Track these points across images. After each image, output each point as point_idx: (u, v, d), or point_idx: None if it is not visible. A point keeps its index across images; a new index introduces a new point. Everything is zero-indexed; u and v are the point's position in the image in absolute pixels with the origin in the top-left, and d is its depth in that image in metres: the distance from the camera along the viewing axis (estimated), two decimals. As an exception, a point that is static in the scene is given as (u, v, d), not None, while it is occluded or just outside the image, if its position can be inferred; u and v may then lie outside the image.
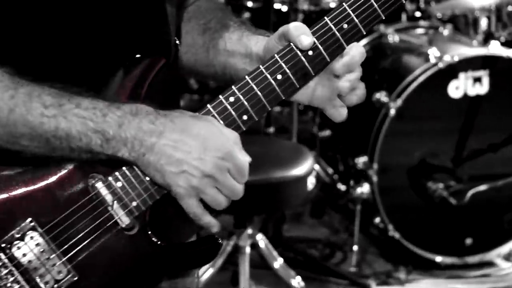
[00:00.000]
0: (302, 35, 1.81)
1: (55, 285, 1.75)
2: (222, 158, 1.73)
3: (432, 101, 4.70)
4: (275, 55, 1.83)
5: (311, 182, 4.34)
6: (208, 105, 1.82)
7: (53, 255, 1.75)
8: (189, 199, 1.75)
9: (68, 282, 1.76)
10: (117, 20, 1.84)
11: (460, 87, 4.69)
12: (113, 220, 1.78)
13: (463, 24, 5.24)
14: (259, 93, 1.82)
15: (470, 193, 4.70)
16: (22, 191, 1.74)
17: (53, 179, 1.75)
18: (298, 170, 4.07)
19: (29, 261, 1.74)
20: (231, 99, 1.81)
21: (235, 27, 2.00)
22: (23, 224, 1.74)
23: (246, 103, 1.82)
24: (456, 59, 4.60)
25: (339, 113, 1.90)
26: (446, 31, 5.05)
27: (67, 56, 1.80)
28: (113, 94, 1.79)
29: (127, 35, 1.85)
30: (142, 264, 1.81)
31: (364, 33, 1.87)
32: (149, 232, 1.80)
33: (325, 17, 1.84)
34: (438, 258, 4.80)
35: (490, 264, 4.91)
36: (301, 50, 1.83)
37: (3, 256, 1.73)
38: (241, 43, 1.96)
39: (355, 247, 4.86)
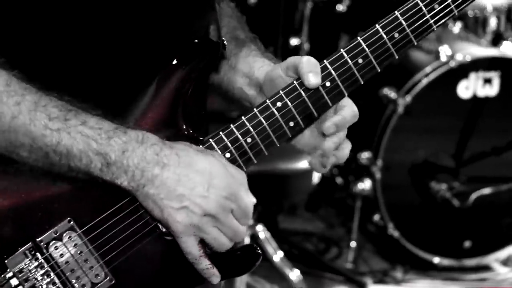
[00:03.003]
0: (311, 73, 1.73)
1: (92, 289, 1.65)
2: (227, 198, 1.64)
3: (440, 100, 4.63)
4: (280, 91, 1.75)
5: (317, 176, 4.27)
6: (221, 132, 1.73)
7: (91, 257, 1.65)
8: (187, 238, 1.64)
9: (104, 286, 1.66)
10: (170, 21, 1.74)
11: (470, 87, 4.62)
12: (154, 224, 1.68)
13: (472, 22, 5.16)
14: (267, 128, 1.74)
15: (473, 196, 4.64)
16: (62, 190, 1.65)
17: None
18: (305, 163, 3.98)
19: (66, 262, 1.64)
20: (241, 130, 1.73)
21: (244, 43, 1.91)
22: (61, 224, 1.64)
23: (257, 137, 1.74)
24: (468, 58, 4.52)
25: (319, 166, 1.82)
26: (456, 28, 4.96)
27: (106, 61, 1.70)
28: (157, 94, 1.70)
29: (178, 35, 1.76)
30: (179, 271, 1.72)
31: (379, 71, 1.79)
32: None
33: (342, 51, 1.76)
34: (436, 259, 4.74)
35: (487, 268, 4.85)
36: (306, 89, 1.75)
37: (39, 256, 1.63)
38: (246, 62, 1.88)
39: (352, 243, 4.79)
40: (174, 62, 1.73)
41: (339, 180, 5.07)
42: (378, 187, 4.63)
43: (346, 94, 1.78)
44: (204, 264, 1.68)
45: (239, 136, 1.73)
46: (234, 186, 1.64)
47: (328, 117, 1.77)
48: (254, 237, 4.36)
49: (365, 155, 4.66)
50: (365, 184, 4.67)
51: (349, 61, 1.76)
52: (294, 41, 5.04)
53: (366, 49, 1.77)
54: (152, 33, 1.72)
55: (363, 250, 4.95)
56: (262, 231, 4.37)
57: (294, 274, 4.35)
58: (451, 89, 4.60)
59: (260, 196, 3.99)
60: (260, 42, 1.95)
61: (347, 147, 1.82)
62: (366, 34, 1.78)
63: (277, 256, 4.39)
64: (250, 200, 1.67)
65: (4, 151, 1.60)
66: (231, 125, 1.74)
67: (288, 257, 4.48)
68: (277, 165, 3.90)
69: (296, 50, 5.00)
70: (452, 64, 4.52)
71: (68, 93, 1.63)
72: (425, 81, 4.54)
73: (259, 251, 1.77)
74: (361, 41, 1.77)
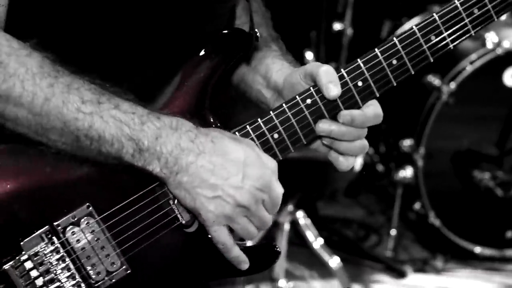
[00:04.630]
0: (330, 83, 1.69)
1: (107, 277, 1.63)
2: (260, 189, 1.62)
3: (485, 88, 4.53)
4: (297, 96, 1.71)
5: (359, 163, 4.23)
6: (248, 126, 1.70)
7: (108, 245, 1.63)
8: (218, 227, 1.62)
9: (120, 275, 1.64)
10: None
11: (516, 75, 4.52)
12: (174, 215, 1.66)
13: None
14: (295, 124, 1.71)
15: (517, 185, 4.55)
16: (82, 175, 1.62)
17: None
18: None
19: (83, 248, 1.62)
20: (269, 125, 1.70)
21: (266, 42, 1.87)
22: (80, 209, 1.62)
23: (283, 133, 1.70)
24: (515, 46, 4.42)
25: (342, 165, 1.78)
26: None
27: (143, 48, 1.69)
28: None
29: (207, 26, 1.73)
30: (196, 264, 1.69)
31: (412, 73, 1.75)
32: (208, 231, 1.67)
33: (358, 59, 1.72)
34: (477, 249, 4.66)
35: (529, 259, 4.77)
36: (323, 97, 1.70)
37: (56, 240, 1.61)
38: (264, 64, 1.84)
39: (392, 231, 4.73)
40: (202, 53, 1.70)
41: (380, 167, 5.01)
42: (420, 175, 4.56)
43: (378, 95, 1.74)
44: (236, 251, 1.66)
45: (266, 131, 1.70)
46: (267, 177, 1.62)
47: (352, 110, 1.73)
48: (294, 223, 4.34)
49: (407, 143, 4.60)
50: (407, 172, 4.61)
51: (383, 61, 1.72)
52: (337, 26, 4.97)
53: (401, 50, 1.72)
54: (175, 18, 1.69)
55: (403, 238, 4.89)
56: (302, 218, 4.35)
57: (334, 261, 4.31)
58: (497, 77, 4.51)
59: (301, 182, 3.98)
60: (282, 42, 1.91)
61: (358, 144, 1.76)
62: (403, 35, 1.73)
63: (317, 243, 4.36)
64: (280, 190, 1.65)
65: (33, 135, 1.57)
66: (259, 119, 1.70)
67: (328, 244, 4.44)
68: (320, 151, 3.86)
69: (339, 35, 4.94)
70: (499, 51, 4.42)
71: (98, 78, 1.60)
72: (470, 69, 4.45)
73: (278, 249, 1.74)
74: (397, 42, 1.72)
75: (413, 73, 1.74)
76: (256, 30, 1.77)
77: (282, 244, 4.22)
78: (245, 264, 1.68)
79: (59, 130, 1.56)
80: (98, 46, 1.66)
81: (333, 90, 1.68)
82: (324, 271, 4.43)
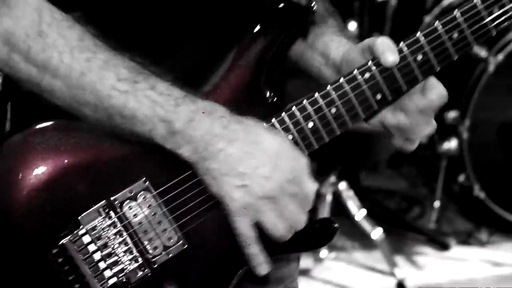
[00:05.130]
0: (387, 51, 1.65)
1: (164, 252, 1.62)
2: (291, 181, 1.56)
3: (533, 59, 4.47)
4: (355, 70, 1.67)
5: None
6: (305, 100, 1.67)
7: (165, 220, 1.62)
8: (242, 218, 1.57)
9: (177, 250, 1.63)
10: None
11: None
12: None
13: None
14: (353, 99, 1.68)
15: None
16: (138, 150, 1.61)
17: None
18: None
19: (140, 223, 1.61)
20: (327, 99, 1.66)
21: (323, 18, 1.82)
22: (136, 183, 1.61)
23: (341, 107, 1.67)
24: None
25: (404, 145, 1.76)
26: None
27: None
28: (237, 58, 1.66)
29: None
30: None
31: (473, 47, 1.71)
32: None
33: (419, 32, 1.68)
34: (523, 222, 4.62)
35: None
36: (382, 70, 1.67)
37: (113, 215, 1.61)
38: (322, 40, 1.80)
39: (436, 203, 4.70)
40: (257, 29, 1.67)
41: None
42: (465, 147, 4.52)
43: (437, 69, 1.71)
44: (254, 249, 1.60)
45: (324, 105, 1.67)
46: (298, 170, 1.57)
47: (415, 98, 1.71)
48: (336, 194, 4.33)
49: (452, 114, 4.55)
50: (451, 144, 4.56)
51: (444, 35, 1.69)
52: (381, -4, 4.92)
53: (463, 23, 1.69)
54: None
55: (447, 211, 4.86)
56: (344, 189, 4.33)
57: (376, 233, 4.30)
58: (546, 48, 4.44)
59: (344, 153, 3.96)
60: (339, 16, 1.87)
61: (427, 128, 1.74)
62: (465, 8, 1.69)
63: (359, 214, 4.35)
64: (312, 186, 1.60)
65: (68, 107, 1.56)
66: (316, 94, 1.67)
67: (370, 215, 4.42)
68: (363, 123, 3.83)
69: (383, 6, 4.89)
70: (548, 21, 4.34)
71: (142, 56, 1.58)
72: (518, 39, 4.39)
73: (336, 225, 1.70)
74: (459, 14, 1.69)
75: (474, 47, 1.71)
76: (313, 4, 1.74)
77: (324, 215, 4.22)
78: (262, 268, 1.62)
79: (93, 106, 1.54)
80: (143, 21, 1.64)
81: (390, 56, 1.65)
82: (366, 243, 4.43)
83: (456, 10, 1.68)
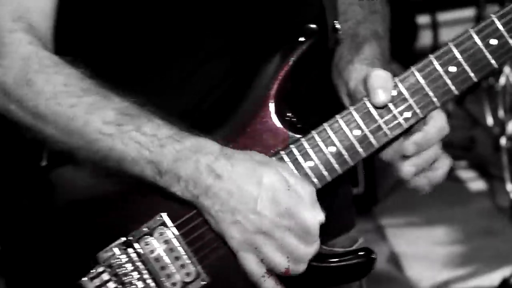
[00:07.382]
0: (379, 89, 1.56)
1: (182, 288, 1.60)
2: (282, 214, 1.50)
3: None
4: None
5: None
6: (325, 124, 1.61)
7: (183, 254, 1.59)
8: (246, 254, 1.53)
9: (196, 286, 1.60)
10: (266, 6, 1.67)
11: None
12: None
13: None
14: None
15: None
16: (152, 185, 1.58)
17: None
18: None
19: (156, 259, 1.60)
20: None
21: (360, 44, 1.72)
22: (153, 219, 1.60)
23: (366, 128, 1.59)
24: None
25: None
26: None
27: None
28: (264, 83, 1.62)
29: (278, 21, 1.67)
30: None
31: (476, 81, 1.58)
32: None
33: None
34: None
35: None
36: (425, 75, 1.58)
37: (130, 251, 1.60)
38: (348, 69, 1.70)
39: None
40: (278, 55, 1.63)
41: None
42: None
43: (476, 80, 1.60)
44: (269, 284, 1.55)
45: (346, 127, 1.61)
46: (291, 202, 1.51)
47: (415, 130, 1.61)
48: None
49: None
50: None
51: (480, 42, 1.58)
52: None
53: (501, 28, 1.58)
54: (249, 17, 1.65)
55: None
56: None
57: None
58: None
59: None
60: (387, 39, 1.78)
61: (442, 166, 1.63)
62: (502, 12, 1.58)
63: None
64: (313, 216, 1.52)
65: (67, 152, 1.59)
66: (337, 117, 1.61)
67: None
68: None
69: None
70: None
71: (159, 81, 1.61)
72: None
73: (374, 256, 1.62)
74: (495, 19, 1.59)
75: None
76: (337, 25, 1.68)
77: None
78: None
79: (85, 150, 1.57)
80: (159, 42, 1.65)
81: (381, 96, 1.57)
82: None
83: (492, 15, 1.58)
